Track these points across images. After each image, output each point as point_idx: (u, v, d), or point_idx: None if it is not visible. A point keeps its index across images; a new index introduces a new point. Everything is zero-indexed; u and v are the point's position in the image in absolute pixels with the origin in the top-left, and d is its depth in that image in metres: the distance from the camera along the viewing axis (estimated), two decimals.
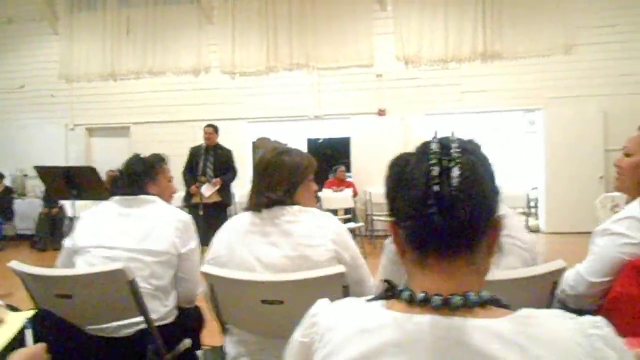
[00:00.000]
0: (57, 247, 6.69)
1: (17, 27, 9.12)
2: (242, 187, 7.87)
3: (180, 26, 8.55)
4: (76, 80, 8.89)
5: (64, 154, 8.90)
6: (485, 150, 0.78)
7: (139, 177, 2.06)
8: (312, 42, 8.17)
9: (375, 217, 7.63)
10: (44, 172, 5.95)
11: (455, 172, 0.68)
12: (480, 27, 7.81)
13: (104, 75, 8.76)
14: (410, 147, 0.78)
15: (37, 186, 7.89)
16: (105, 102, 8.81)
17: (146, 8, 8.61)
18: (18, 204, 8.36)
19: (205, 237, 6.29)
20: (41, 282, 1.74)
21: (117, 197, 2.01)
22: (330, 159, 10.34)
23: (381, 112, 8.07)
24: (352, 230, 6.62)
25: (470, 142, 0.75)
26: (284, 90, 8.27)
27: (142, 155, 2.17)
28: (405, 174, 0.72)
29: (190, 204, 5.95)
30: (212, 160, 5.88)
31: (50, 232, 7.91)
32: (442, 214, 0.67)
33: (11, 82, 9.13)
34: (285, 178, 1.64)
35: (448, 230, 0.68)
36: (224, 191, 5.98)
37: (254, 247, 1.59)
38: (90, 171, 4.98)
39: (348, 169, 8.49)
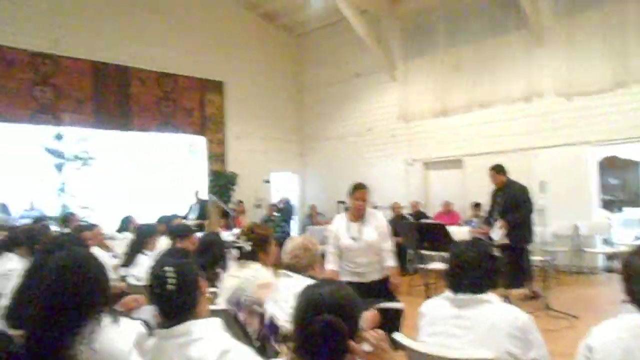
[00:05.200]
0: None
1: (363, 79, 10.82)
2: (543, 225, 6.17)
3: (507, 55, 8.44)
4: (412, 120, 9.89)
5: (405, 187, 9.98)
6: None
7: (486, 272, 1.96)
8: None
9: None
10: (401, 226, 7.01)
11: None
12: None
13: (436, 112, 9.45)
14: None
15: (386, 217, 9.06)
16: (438, 137, 9.48)
17: (474, 43, 8.86)
18: None
19: (506, 280, 5.88)
20: (420, 357, 1.99)
21: (451, 295, 1.98)
22: None
23: None
24: None
25: None
26: (638, 107, 7.09)
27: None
28: None
29: None
30: (500, 202, 5.66)
31: None
32: None
33: (360, 127, 10.88)
34: None
35: None
36: (512, 232, 5.44)
37: None
38: (439, 227, 5.59)
39: None
